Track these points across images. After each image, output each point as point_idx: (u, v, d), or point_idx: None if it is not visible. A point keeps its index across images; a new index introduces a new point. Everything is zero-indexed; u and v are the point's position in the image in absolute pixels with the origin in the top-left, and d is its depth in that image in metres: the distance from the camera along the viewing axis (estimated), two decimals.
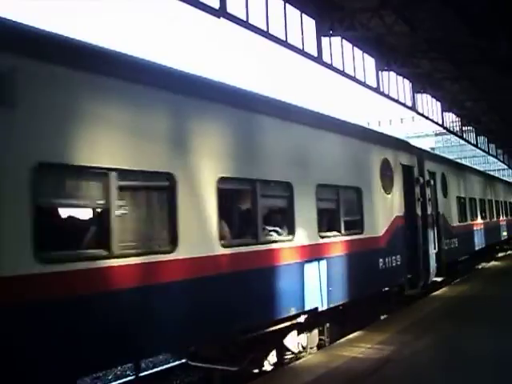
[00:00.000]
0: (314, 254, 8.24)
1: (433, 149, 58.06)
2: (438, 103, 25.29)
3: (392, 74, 19.64)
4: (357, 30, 15.37)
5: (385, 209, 10.71)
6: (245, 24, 12.07)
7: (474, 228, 19.52)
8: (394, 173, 11.31)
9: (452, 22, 14.51)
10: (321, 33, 14.90)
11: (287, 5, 13.45)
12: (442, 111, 25.97)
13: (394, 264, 10.69)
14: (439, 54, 18.08)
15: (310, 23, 14.54)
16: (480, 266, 21.14)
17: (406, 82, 21.31)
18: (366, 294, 9.79)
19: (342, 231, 9.02)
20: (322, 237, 8.50)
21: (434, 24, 14.92)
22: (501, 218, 26.13)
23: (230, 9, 11.45)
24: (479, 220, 20.64)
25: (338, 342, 8.80)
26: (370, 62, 18.14)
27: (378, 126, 72.87)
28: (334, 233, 8.94)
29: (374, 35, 16.24)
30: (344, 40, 16.21)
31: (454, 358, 7.47)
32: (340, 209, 9.01)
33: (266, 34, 12.75)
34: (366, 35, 16.07)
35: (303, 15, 14.18)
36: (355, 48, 17.02)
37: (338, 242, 8.91)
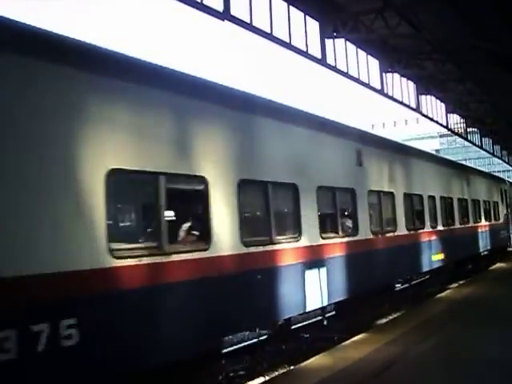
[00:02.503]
0: None
1: (437, 150, 57.82)
2: (443, 104, 25.21)
3: (396, 75, 19.61)
4: (360, 32, 15.36)
5: None
6: (248, 26, 12.08)
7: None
8: None
9: (455, 23, 14.48)
10: (325, 35, 14.90)
11: (291, 7, 13.47)
12: (447, 112, 25.87)
13: None
14: (443, 55, 18.04)
15: (313, 25, 14.54)
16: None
17: (410, 83, 21.25)
18: None
19: None
20: None
21: (437, 25, 14.88)
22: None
23: (233, 11, 11.47)
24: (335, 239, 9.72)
25: (343, 343, 8.78)
26: (374, 63, 18.13)
27: (382, 127, 72.90)
28: None
29: (377, 37, 16.21)
30: (348, 42, 16.19)
31: (460, 361, 7.43)
32: None
33: (269, 37, 12.75)
34: (369, 37, 16.04)
35: (307, 17, 14.19)
36: (359, 50, 17.00)
37: None
